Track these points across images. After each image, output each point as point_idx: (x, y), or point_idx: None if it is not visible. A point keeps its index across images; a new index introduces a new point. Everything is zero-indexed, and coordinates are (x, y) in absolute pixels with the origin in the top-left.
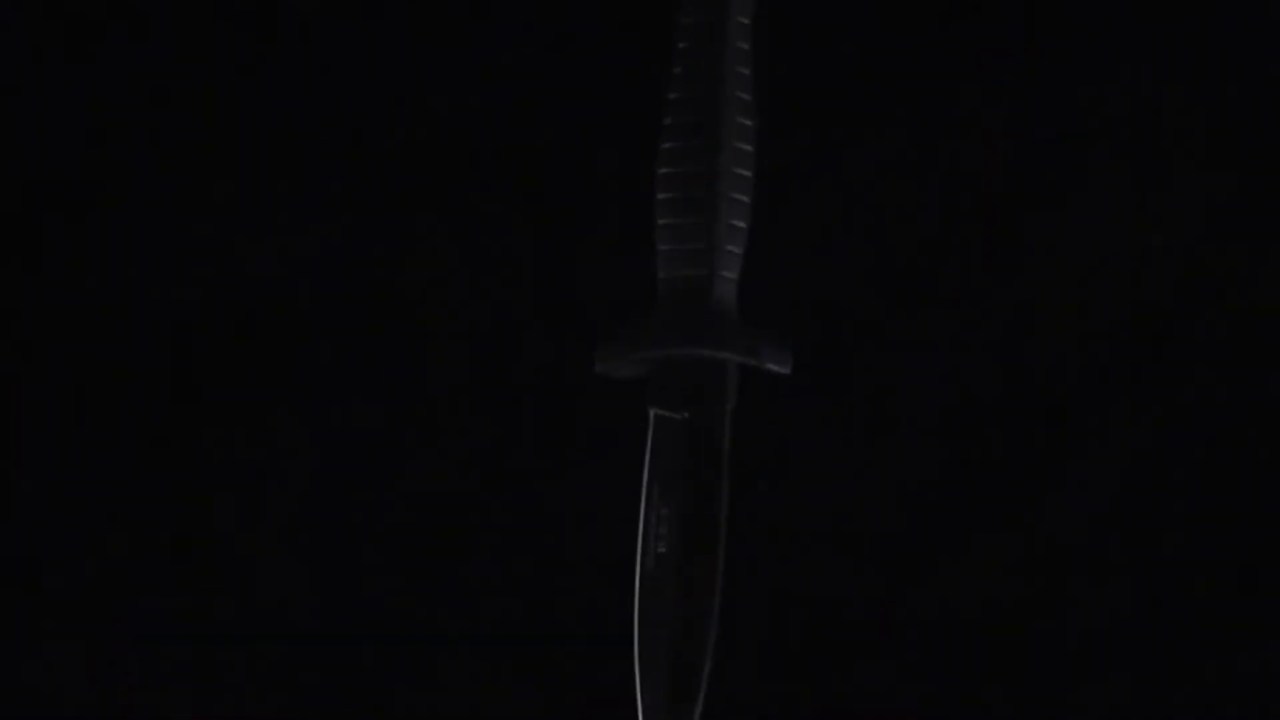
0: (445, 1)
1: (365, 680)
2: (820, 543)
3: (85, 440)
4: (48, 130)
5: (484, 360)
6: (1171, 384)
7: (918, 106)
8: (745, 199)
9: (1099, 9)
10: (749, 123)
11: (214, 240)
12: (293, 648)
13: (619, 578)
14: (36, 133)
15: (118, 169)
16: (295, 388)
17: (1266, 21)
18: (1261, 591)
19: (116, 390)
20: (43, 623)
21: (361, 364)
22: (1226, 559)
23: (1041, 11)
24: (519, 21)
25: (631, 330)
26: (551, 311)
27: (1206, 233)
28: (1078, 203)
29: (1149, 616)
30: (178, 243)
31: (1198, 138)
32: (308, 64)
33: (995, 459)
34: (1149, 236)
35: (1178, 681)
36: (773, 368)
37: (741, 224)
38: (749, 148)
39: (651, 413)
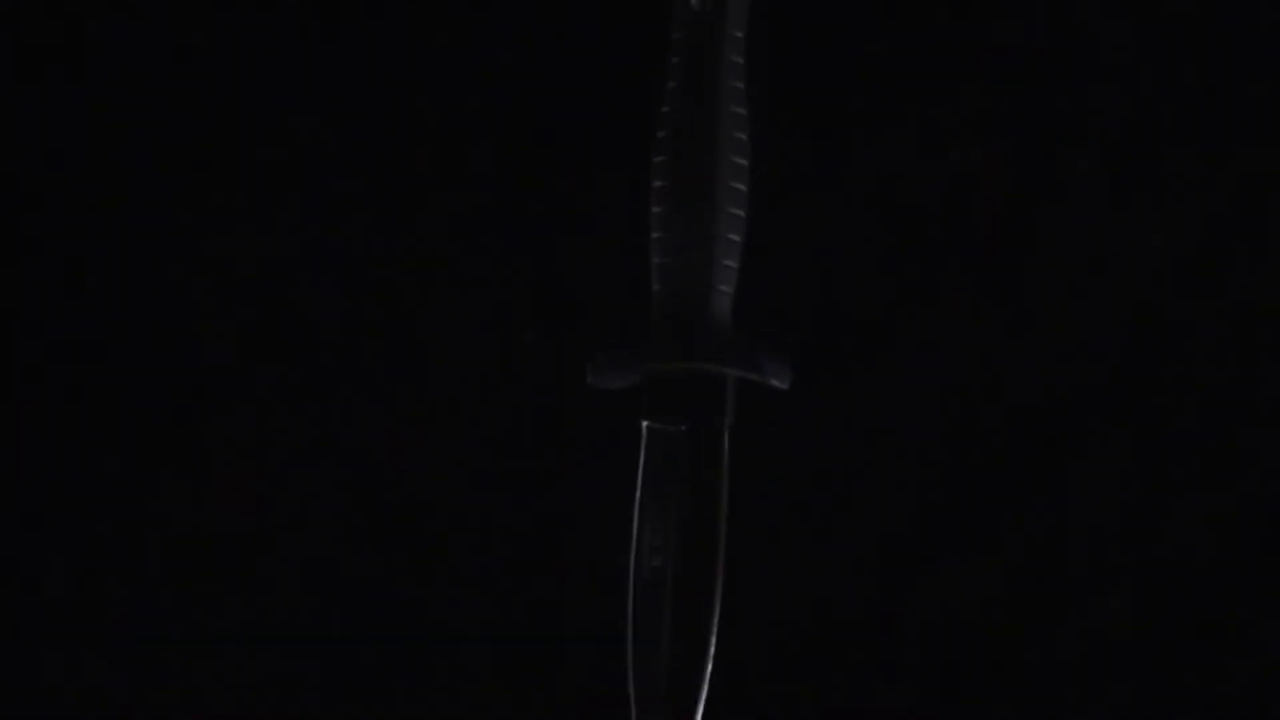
0: (437, 13)
1: (360, 686)
2: (819, 551)
3: (84, 440)
4: (47, 129)
5: (477, 370)
6: (1172, 387)
7: (916, 111)
8: (741, 213)
9: (1096, 16)
10: (743, 137)
11: (209, 244)
12: (286, 653)
13: (611, 589)
14: (36, 132)
15: (117, 168)
16: (292, 393)
17: (1263, 27)
18: (1262, 596)
19: (115, 391)
20: (41, 623)
21: (357, 371)
22: (1226, 564)
23: (1040, 15)
24: (511, 30)
25: (627, 343)
26: (545, 322)
27: (1207, 236)
28: (1078, 206)
29: (1148, 622)
30: (175, 244)
31: (1197, 140)
32: (305, 70)
33: (994, 465)
34: (1150, 239)
35: (1177, 688)
36: (773, 383)
37: (737, 237)
38: (744, 162)
39: (645, 425)
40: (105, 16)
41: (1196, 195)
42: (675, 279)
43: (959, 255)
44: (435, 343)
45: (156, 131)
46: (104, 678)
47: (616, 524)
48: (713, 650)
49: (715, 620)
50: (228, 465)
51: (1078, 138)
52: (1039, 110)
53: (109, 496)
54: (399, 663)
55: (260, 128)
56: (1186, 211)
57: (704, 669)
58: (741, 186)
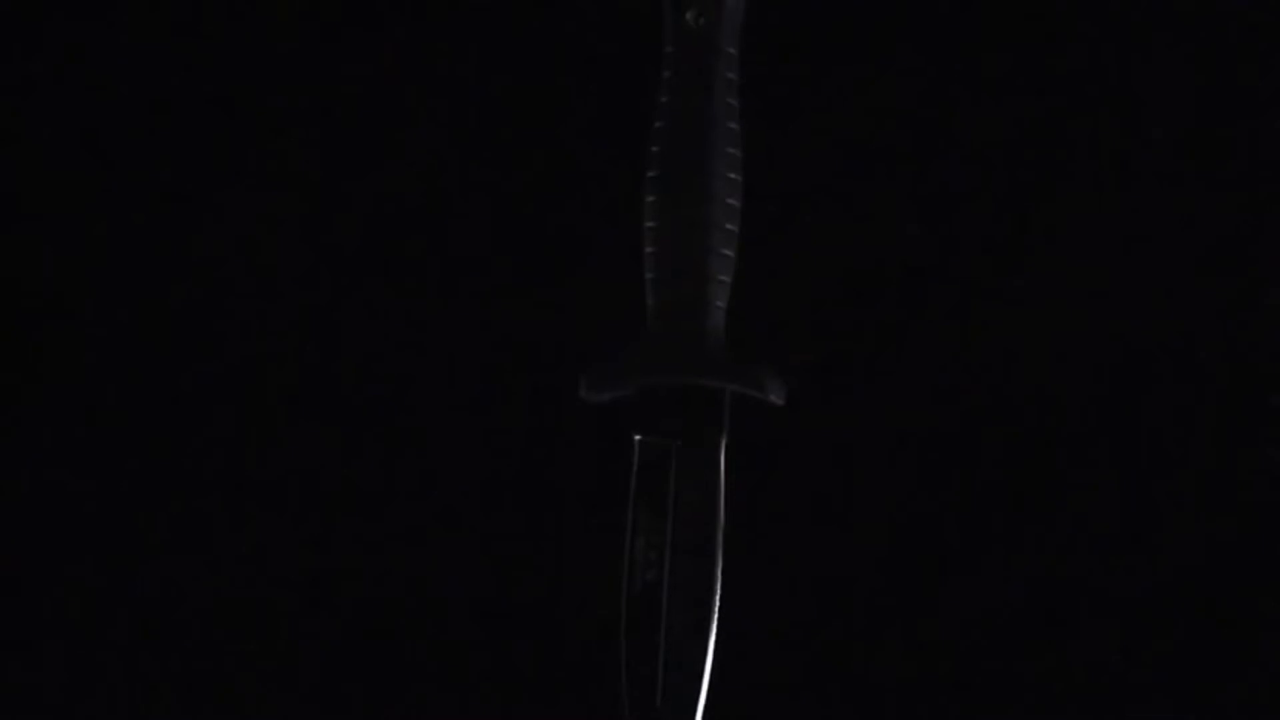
0: (428, 27)
1: (355, 695)
2: (814, 565)
3: (84, 440)
4: (47, 127)
5: (470, 383)
6: (1169, 402)
7: (910, 126)
8: (734, 228)
9: (1091, 33)
10: (737, 152)
11: (199, 249)
12: (274, 671)
13: (602, 603)
14: (35, 130)
15: (115, 167)
16: (281, 405)
17: (1259, 39)
18: (1262, 609)
19: (108, 392)
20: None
21: (352, 381)
22: (1225, 576)
23: (1036, 31)
24: (503, 47)
25: (621, 357)
26: (538, 335)
27: (1204, 253)
28: (1072, 222)
29: (1143, 636)
30: (167, 249)
31: (1195, 160)
32: (302, 78)
33: (991, 478)
34: (1145, 254)
35: (1177, 696)
36: (769, 398)
37: (730, 253)
38: (738, 177)
39: (637, 439)
40: (106, 16)
41: (1193, 216)
42: (669, 294)
43: (954, 267)
44: (428, 354)
45: (152, 130)
46: (99, 678)
47: (607, 537)
48: (709, 666)
49: (712, 636)
50: (214, 473)
51: (1071, 159)
52: (1032, 130)
53: (101, 498)
54: (384, 682)
55: (251, 138)
56: (1184, 230)
57: (700, 685)
58: (735, 202)
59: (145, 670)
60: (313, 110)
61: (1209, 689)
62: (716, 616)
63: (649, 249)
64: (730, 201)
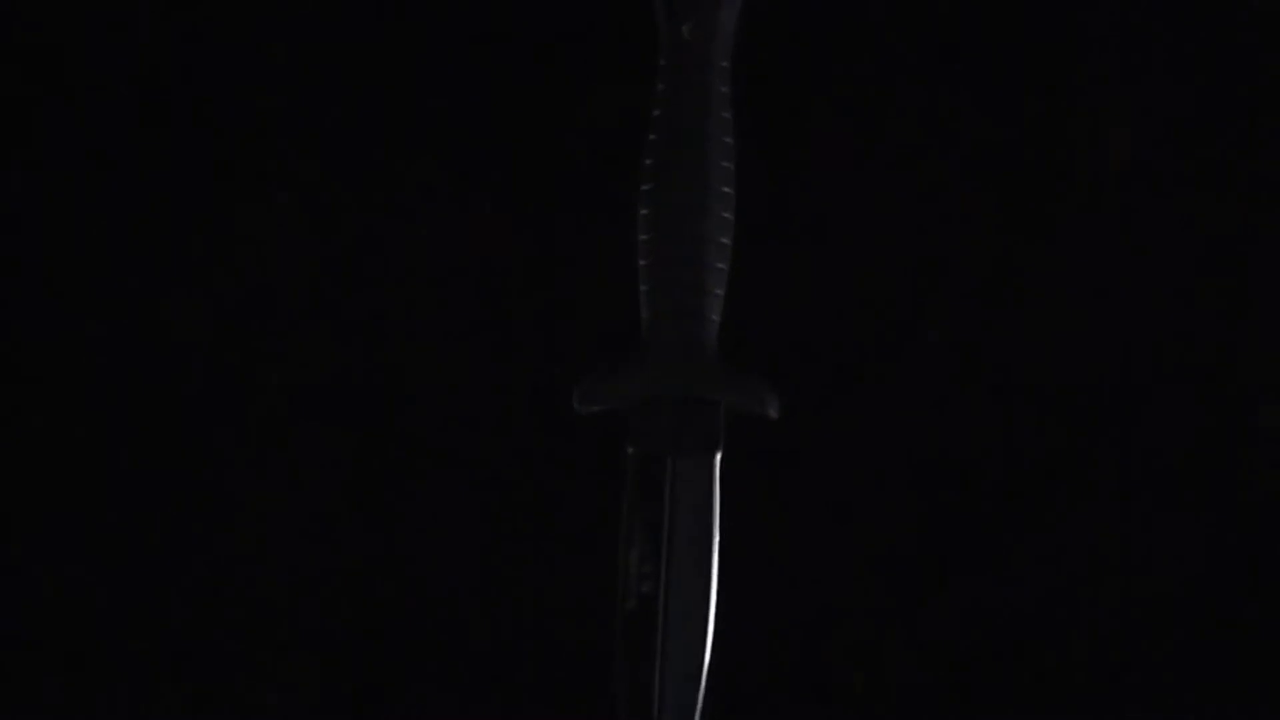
0: (415, 44)
1: (352, 699)
2: (808, 579)
3: (81, 440)
4: (46, 126)
5: (463, 394)
6: (1167, 411)
7: (905, 138)
8: (728, 241)
9: (1087, 51)
10: (730, 166)
11: (189, 259)
12: (270, 676)
13: (596, 616)
14: (36, 129)
15: (112, 167)
16: (285, 410)
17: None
18: (1261, 616)
19: (106, 393)
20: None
21: (341, 393)
22: (1224, 585)
23: (1032, 50)
24: (496, 59)
25: (616, 370)
26: (532, 346)
27: (1200, 270)
28: (1070, 233)
29: (1141, 648)
30: (164, 251)
31: (1191, 173)
32: (295, 88)
33: (985, 491)
34: (1143, 264)
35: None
36: (762, 411)
37: (724, 266)
38: (730, 190)
39: (630, 451)
40: (104, 17)
41: (1189, 224)
42: (663, 307)
43: (949, 280)
44: (424, 366)
45: (148, 130)
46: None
47: (599, 549)
48: (705, 678)
49: (708, 648)
50: (212, 483)
51: (1066, 176)
52: (1027, 145)
53: (97, 500)
54: (388, 680)
55: (246, 145)
56: (1178, 239)
57: (696, 697)
58: (729, 215)
59: (143, 670)
60: (310, 124)
61: (1208, 695)
62: (712, 628)
63: (643, 262)
64: (724, 215)
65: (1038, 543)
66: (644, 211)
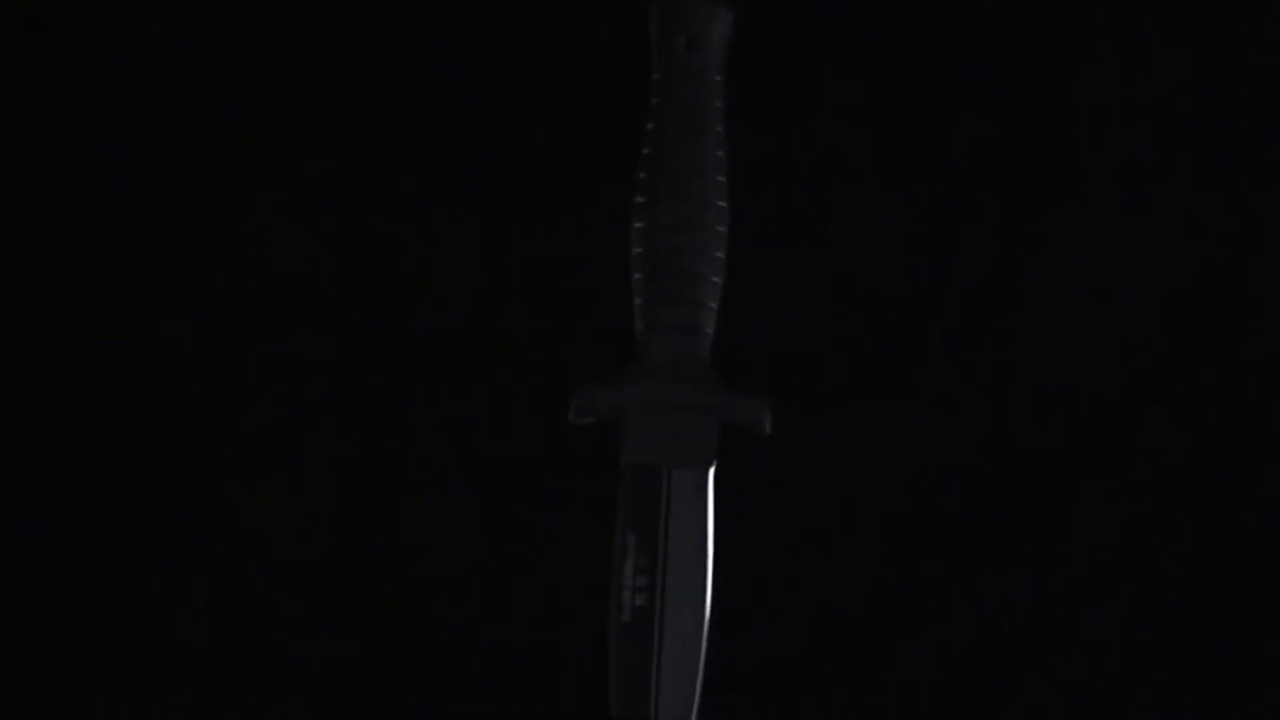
0: (420, 51)
1: (347, 711)
2: (800, 593)
3: (81, 440)
4: (46, 127)
5: (456, 407)
6: (1160, 439)
7: (898, 156)
8: (721, 255)
9: (1083, 68)
10: (723, 179)
11: (178, 273)
12: (262, 692)
13: (589, 627)
14: (36, 129)
15: (113, 168)
16: (277, 417)
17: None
18: (1260, 627)
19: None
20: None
21: (336, 403)
22: (1222, 596)
23: (1028, 63)
24: (490, 73)
25: (612, 381)
26: (526, 356)
27: (1200, 274)
28: (1062, 249)
29: (1138, 669)
30: (161, 257)
31: (1186, 190)
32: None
33: (979, 507)
34: (1137, 288)
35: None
36: (759, 427)
37: (718, 278)
38: (724, 204)
39: (624, 463)
40: (104, 17)
41: (1185, 241)
42: (658, 319)
43: (944, 291)
44: (417, 376)
45: (144, 131)
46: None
47: (595, 556)
48: (700, 690)
49: (702, 659)
50: (205, 495)
51: (1061, 191)
52: (1022, 159)
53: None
54: (384, 689)
55: (239, 156)
56: (1174, 256)
57: (691, 709)
58: (722, 228)
59: (140, 671)
60: (307, 134)
61: (1210, 700)
62: (706, 640)
63: (637, 274)
64: (718, 228)
65: (1038, 551)
66: (638, 224)
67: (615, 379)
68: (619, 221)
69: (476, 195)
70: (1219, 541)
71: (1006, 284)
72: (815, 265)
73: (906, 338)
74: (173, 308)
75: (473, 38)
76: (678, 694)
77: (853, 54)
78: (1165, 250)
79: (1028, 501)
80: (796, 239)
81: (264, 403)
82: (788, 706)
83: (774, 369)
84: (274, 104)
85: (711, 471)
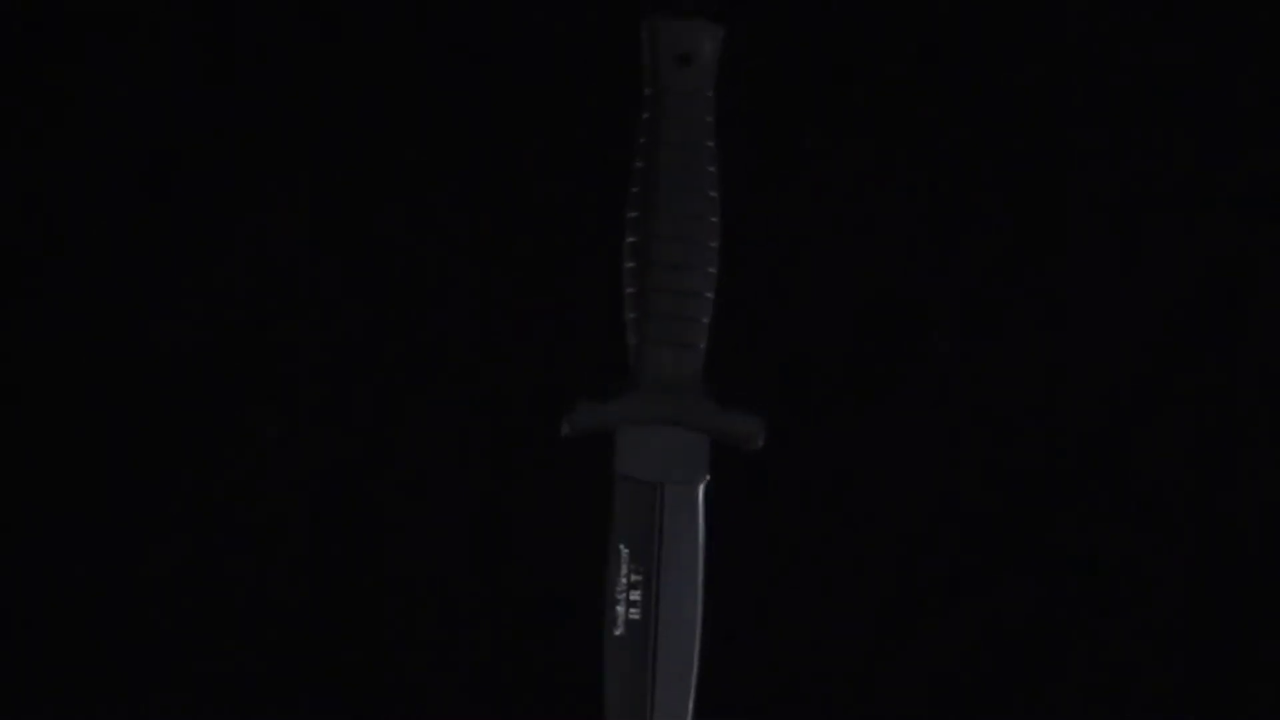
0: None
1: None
2: (793, 608)
3: (80, 441)
4: (45, 127)
5: (448, 421)
6: (1155, 455)
7: (892, 167)
8: (713, 270)
9: (1079, 88)
10: (715, 195)
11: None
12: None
13: (583, 641)
14: (35, 130)
15: (109, 168)
16: (271, 425)
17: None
18: (1259, 639)
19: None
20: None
21: (334, 404)
22: (1220, 612)
23: (1026, 80)
24: (481, 85)
25: (605, 397)
26: (519, 370)
27: (1189, 300)
28: (1058, 269)
29: (1129, 690)
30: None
31: (1186, 206)
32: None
33: (972, 524)
34: (1132, 301)
35: None
36: (751, 444)
37: (709, 294)
38: (716, 219)
39: (618, 476)
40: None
41: (1181, 258)
42: (651, 335)
43: (936, 307)
44: (408, 390)
45: (141, 132)
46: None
47: (585, 573)
48: (693, 702)
49: (695, 673)
50: (198, 510)
51: (1057, 203)
52: (1016, 173)
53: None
54: (376, 705)
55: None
56: (1171, 272)
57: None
58: (714, 244)
59: (134, 672)
60: (296, 155)
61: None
62: (698, 656)
63: (629, 289)
64: (710, 244)
65: (1033, 564)
66: (631, 239)
67: (608, 393)
68: (611, 236)
69: (468, 208)
70: (1219, 548)
71: (1002, 296)
72: (807, 277)
73: (900, 350)
74: (165, 308)
75: (463, 55)
76: (672, 707)
77: (843, 66)
78: (1163, 262)
79: (1025, 514)
80: (788, 252)
81: (256, 411)
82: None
83: (767, 382)
84: (264, 124)
85: (703, 486)
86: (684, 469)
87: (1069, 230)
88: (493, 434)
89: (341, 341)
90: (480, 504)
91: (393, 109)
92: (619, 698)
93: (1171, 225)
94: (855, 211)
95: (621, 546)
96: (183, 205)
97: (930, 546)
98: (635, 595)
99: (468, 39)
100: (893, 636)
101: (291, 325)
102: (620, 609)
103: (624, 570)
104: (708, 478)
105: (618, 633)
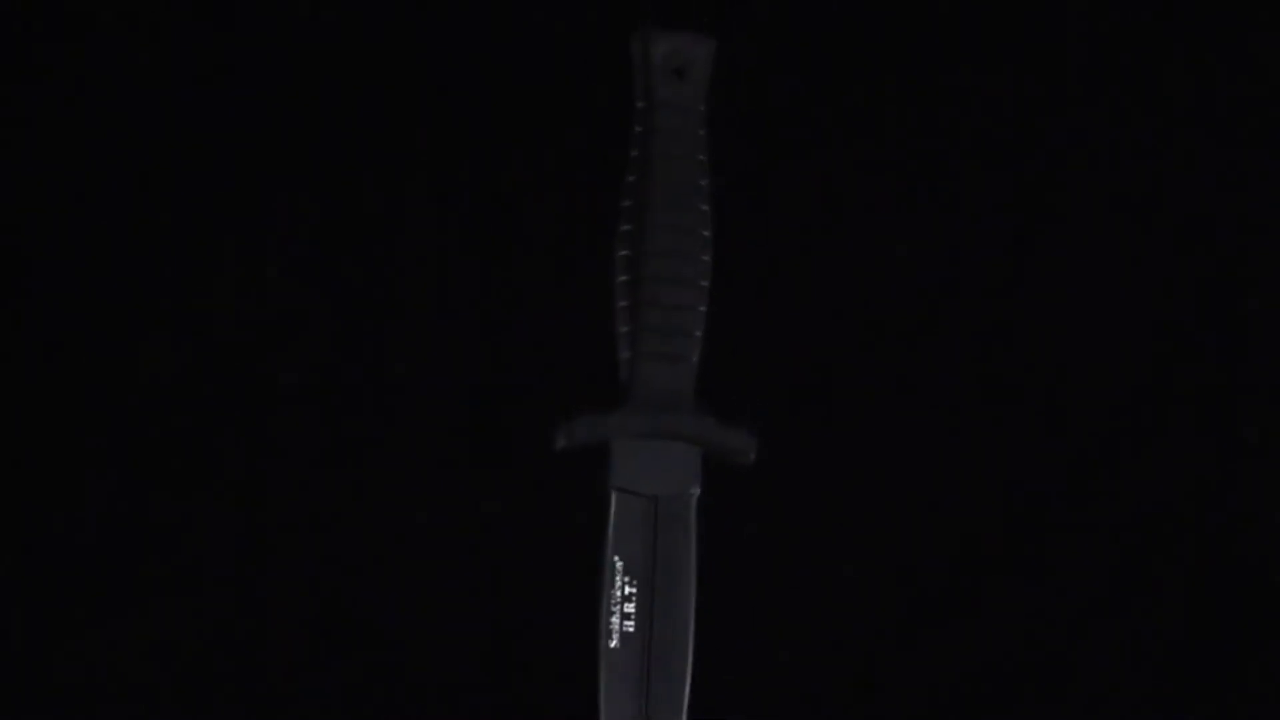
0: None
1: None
2: (785, 622)
3: (79, 440)
4: (45, 129)
5: (442, 435)
6: (1150, 475)
7: (886, 184)
8: (706, 284)
9: (1076, 102)
10: (708, 208)
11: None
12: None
13: (578, 654)
14: (36, 132)
15: (108, 169)
16: (251, 456)
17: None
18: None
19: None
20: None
21: (328, 412)
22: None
23: (1019, 96)
24: (471, 104)
25: (598, 411)
26: (511, 382)
27: (1189, 302)
28: (1053, 285)
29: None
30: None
31: (1181, 223)
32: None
33: (967, 541)
34: (1126, 320)
35: None
36: (743, 458)
37: (702, 307)
38: (708, 233)
39: (612, 489)
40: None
41: (1181, 260)
42: (643, 349)
43: (931, 316)
44: (401, 404)
45: (137, 134)
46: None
47: (580, 586)
48: (685, 717)
49: (687, 687)
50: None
51: (1051, 219)
52: (1010, 186)
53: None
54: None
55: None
56: (1171, 274)
57: None
58: (706, 258)
59: (135, 672)
60: (289, 175)
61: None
62: (691, 669)
63: (622, 302)
64: (703, 257)
65: (1028, 580)
66: (623, 252)
67: (600, 407)
68: (603, 249)
69: (459, 221)
70: (1220, 554)
71: (999, 304)
72: (799, 291)
73: (896, 360)
74: (159, 312)
75: (453, 70)
76: (666, 718)
77: (835, 81)
78: (1163, 264)
79: (1021, 529)
80: (780, 265)
81: (249, 420)
82: None
83: (759, 394)
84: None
85: (695, 498)
86: (677, 482)
87: (1070, 242)
88: (486, 447)
89: (332, 354)
90: (475, 517)
91: (382, 126)
92: (614, 709)
93: (1172, 226)
94: (847, 225)
95: (616, 559)
96: (181, 205)
97: (924, 560)
98: (630, 607)
99: (457, 54)
100: (886, 650)
101: (281, 338)
102: (615, 621)
103: (619, 582)
104: (699, 489)
105: (613, 645)
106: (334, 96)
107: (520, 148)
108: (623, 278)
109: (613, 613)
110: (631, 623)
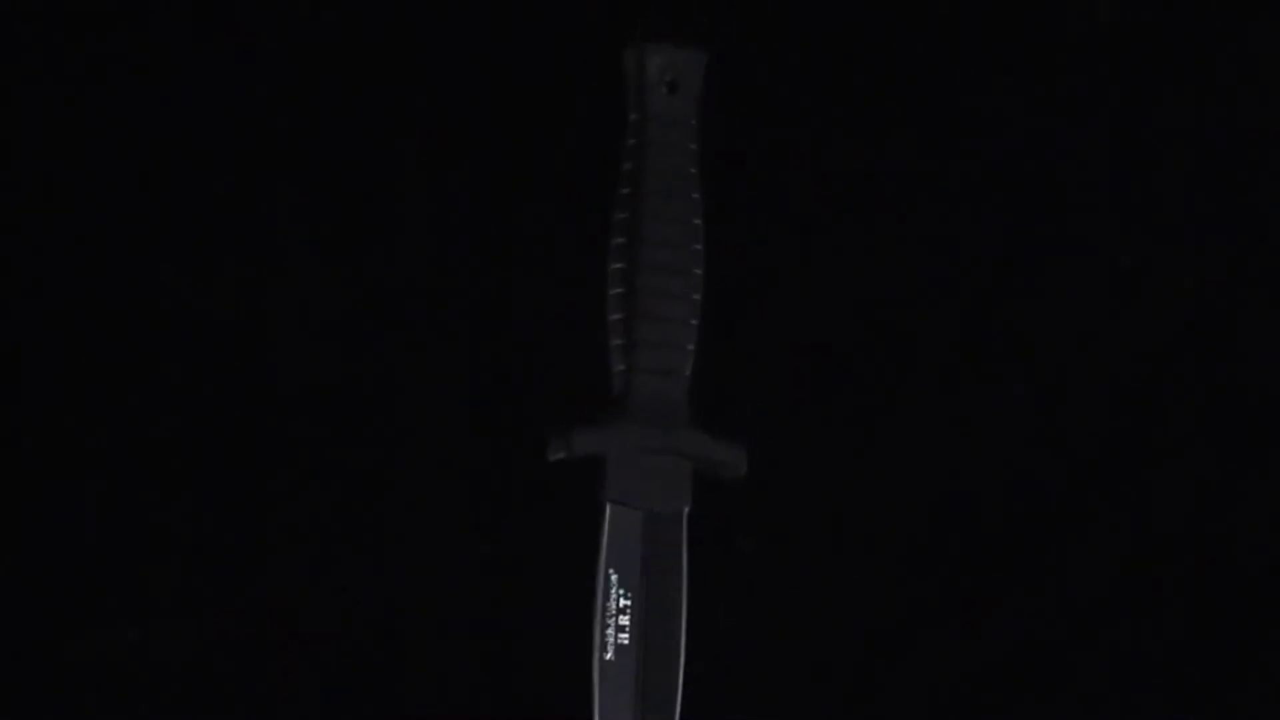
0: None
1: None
2: (778, 634)
3: (78, 441)
4: (45, 129)
5: (436, 448)
6: (1149, 478)
7: (879, 199)
8: (697, 296)
9: (1073, 116)
10: (700, 221)
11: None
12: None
13: (573, 667)
14: (36, 132)
15: (107, 169)
16: (246, 467)
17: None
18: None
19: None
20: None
21: (325, 418)
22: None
23: (1012, 111)
24: (463, 115)
25: (591, 423)
26: (504, 392)
27: (1189, 305)
28: (1047, 300)
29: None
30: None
31: (1177, 234)
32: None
33: (961, 551)
34: (1123, 335)
35: None
36: (735, 472)
37: (694, 320)
38: (700, 246)
39: (606, 502)
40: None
41: (1180, 261)
42: (637, 362)
43: (922, 336)
44: (395, 418)
45: (135, 137)
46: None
47: (574, 598)
48: None
49: (679, 700)
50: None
51: (1047, 235)
52: (1004, 200)
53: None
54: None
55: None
56: (1170, 277)
57: None
58: (698, 271)
59: (134, 672)
60: (287, 178)
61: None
62: (682, 681)
63: (614, 316)
64: (695, 270)
65: (1021, 596)
66: (616, 265)
67: (593, 419)
68: (596, 262)
69: (450, 231)
70: (1221, 557)
71: (991, 320)
72: (791, 302)
73: (888, 374)
74: (159, 314)
75: (447, 81)
76: None
77: (828, 92)
78: (1163, 266)
79: (1017, 542)
80: (772, 277)
81: (246, 426)
82: None
83: (751, 406)
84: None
85: (686, 511)
86: (671, 495)
87: (1069, 248)
88: (480, 460)
89: (327, 366)
90: (469, 530)
91: (375, 139)
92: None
93: (1171, 228)
94: (840, 238)
95: (610, 572)
96: (181, 205)
97: (916, 573)
98: (624, 620)
99: (451, 67)
100: (880, 661)
101: (277, 348)
102: (609, 633)
103: (613, 595)
104: (690, 503)
105: (607, 657)
106: (328, 111)
107: (513, 161)
108: (615, 290)
109: (607, 625)
110: (626, 635)
